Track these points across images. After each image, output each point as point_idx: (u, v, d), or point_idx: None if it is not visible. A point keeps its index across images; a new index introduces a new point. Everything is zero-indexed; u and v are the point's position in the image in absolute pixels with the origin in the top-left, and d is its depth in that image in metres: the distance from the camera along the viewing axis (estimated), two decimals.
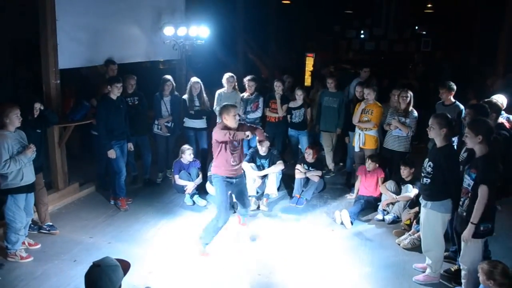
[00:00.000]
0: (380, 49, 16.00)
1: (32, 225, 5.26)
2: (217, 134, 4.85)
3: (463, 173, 4.13)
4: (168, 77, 6.97)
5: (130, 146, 6.35)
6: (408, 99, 6.18)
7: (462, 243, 4.10)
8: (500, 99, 5.48)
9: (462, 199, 4.07)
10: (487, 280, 3.52)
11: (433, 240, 4.43)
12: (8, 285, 4.29)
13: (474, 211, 3.86)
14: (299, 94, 7.25)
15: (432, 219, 4.37)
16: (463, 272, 4.14)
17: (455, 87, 6.15)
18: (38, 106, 5.09)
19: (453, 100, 6.16)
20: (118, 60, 6.88)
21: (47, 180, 5.75)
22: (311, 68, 13.80)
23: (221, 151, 4.90)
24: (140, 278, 4.34)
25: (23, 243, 4.91)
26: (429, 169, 4.30)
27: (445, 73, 10.40)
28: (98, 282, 2.38)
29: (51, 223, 5.41)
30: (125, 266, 2.62)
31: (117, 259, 2.58)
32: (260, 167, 6.67)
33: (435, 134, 4.27)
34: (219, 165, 4.98)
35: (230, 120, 4.85)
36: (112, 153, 5.86)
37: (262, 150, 6.60)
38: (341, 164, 7.94)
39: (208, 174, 6.42)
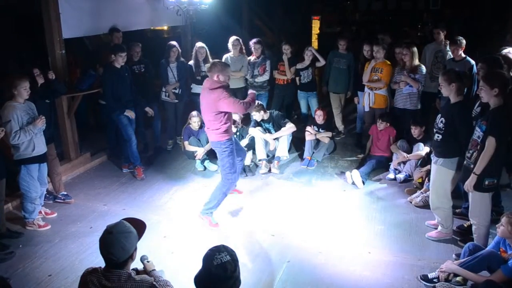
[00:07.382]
0: (387, 8, 15.56)
1: (47, 195, 5.35)
2: (227, 105, 4.48)
3: (475, 127, 4.07)
4: (174, 43, 6.88)
5: (132, 114, 6.18)
6: (409, 55, 6.06)
7: (470, 198, 4.07)
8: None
9: (470, 152, 3.99)
10: None
11: (440, 197, 4.41)
12: (28, 252, 4.40)
13: (478, 162, 3.81)
14: (309, 55, 7.10)
15: (443, 175, 4.34)
16: (473, 227, 4.13)
17: (464, 42, 6.09)
18: (50, 75, 5.15)
19: (463, 55, 6.09)
20: (122, 28, 6.79)
21: (58, 150, 5.79)
22: (317, 31, 13.54)
23: (227, 115, 4.63)
24: (155, 242, 4.42)
25: (40, 212, 5.01)
26: (441, 125, 4.25)
27: (455, 32, 10.14)
28: (110, 249, 2.39)
29: (65, 193, 5.51)
30: (141, 227, 2.62)
31: (133, 219, 2.59)
32: (266, 131, 6.62)
33: (447, 91, 4.20)
34: (228, 129, 4.68)
35: (224, 77, 4.54)
36: (130, 113, 5.92)
37: (259, 115, 6.45)
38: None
39: None
